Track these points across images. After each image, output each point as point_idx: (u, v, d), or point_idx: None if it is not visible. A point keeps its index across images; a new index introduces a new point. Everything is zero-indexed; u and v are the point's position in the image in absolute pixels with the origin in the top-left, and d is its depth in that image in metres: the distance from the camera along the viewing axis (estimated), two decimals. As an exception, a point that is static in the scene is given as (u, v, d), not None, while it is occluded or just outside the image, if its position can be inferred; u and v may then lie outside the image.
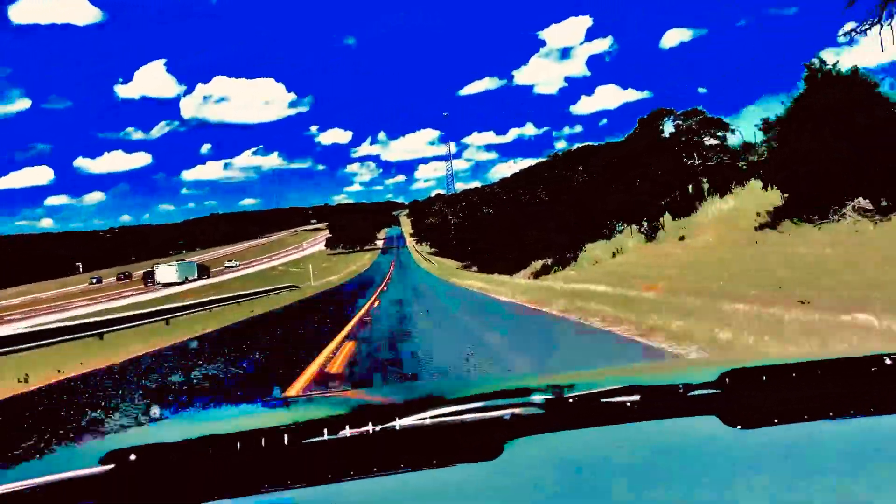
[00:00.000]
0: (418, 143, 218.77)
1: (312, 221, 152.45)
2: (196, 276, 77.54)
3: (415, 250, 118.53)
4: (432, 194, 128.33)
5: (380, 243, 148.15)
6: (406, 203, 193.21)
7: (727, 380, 1.16)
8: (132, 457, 0.96)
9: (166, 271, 76.18)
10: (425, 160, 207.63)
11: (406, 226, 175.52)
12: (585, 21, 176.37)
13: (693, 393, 1.16)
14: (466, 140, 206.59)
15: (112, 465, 0.96)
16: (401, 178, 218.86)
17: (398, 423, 1.06)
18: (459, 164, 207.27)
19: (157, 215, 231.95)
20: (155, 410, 2.21)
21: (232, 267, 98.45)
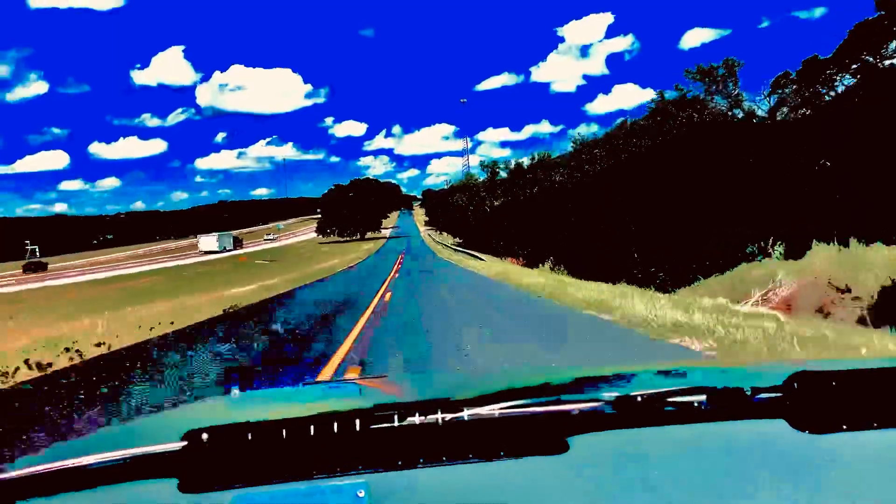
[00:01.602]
0: (432, 137, 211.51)
1: (318, 210, 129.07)
2: (232, 247, 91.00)
3: (432, 240, 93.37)
4: (446, 186, 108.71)
5: (387, 231, 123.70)
6: (419, 196, 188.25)
7: (795, 383, 1.14)
8: (205, 436, 0.99)
9: (208, 241, 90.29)
10: (439, 155, 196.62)
11: (418, 215, 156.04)
12: (607, 18, 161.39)
13: (761, 396, 1.14)
14: (481, 136, 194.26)
15: (185, 443, 0.99)
16: (414, 171, 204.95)
17: (466, 414, 1.05)
18: (473, 160, 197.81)
19: (171, 202, 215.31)
20: (227, 384, 1.64)
21: (270, 239, 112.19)
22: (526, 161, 64.61)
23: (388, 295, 17.50)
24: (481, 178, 75.46)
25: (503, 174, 68.81)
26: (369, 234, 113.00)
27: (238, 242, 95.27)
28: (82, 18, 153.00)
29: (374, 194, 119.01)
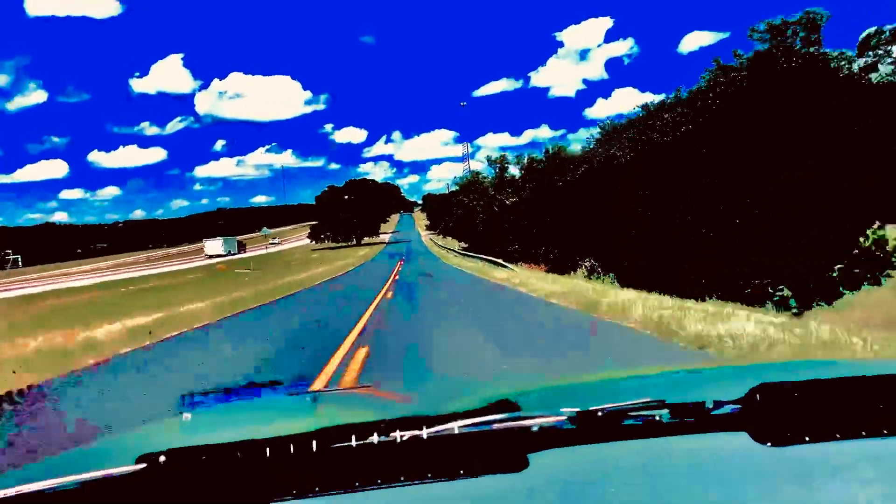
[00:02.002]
0: (432, 142, 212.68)
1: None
2: (237, 251, 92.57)
3: (436, 245, 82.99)
4: (448, 190, 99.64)
5: (386, 237, 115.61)
6: (418, 202, 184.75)
7: (757, 395, 1.13)
8: (162, 458, 0.98)
9: (213, 245, 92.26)
10: (438, 160, 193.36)
11: (419, 220, 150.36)
12: (606, 22, 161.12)
13: (722, 409, 1.13)
14: (480, 141, 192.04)
15: (143, 465, 0.98)
16: (414, 178, 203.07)
17: (425, 433, 1.04)
18: (473, 165, 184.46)
19: (170, 210, 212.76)
20: (183, 403, 1.55)
21: (275, 243, 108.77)
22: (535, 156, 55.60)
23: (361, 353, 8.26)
24: (489, 177, 66.47)
25: (514, 172, 59.68)
26: (367, 239, 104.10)
27: (242, 247, 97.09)
28: (81, 26, 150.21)
29: (372, 195, 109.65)
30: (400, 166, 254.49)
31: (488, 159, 66.78)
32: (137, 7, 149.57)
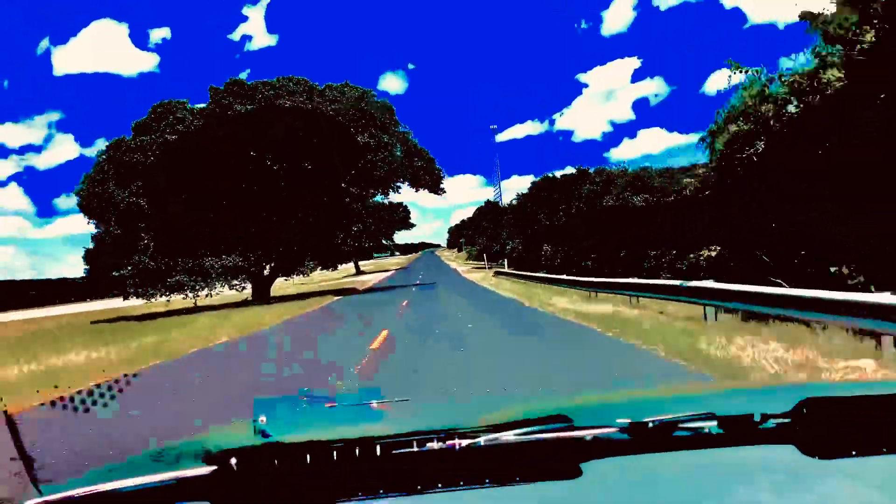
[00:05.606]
0: (457, 187, 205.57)
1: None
2: None
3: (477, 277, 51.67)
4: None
5: (370, 277, 63.53)
6: (441, 244, 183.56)
7: (804, 409, 1.14)
8: (233, 460, 1.03)
9: None
10: (463, 206, 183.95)
11: (443, 252, 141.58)
12: (633, 63, 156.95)
13: (770, 422, 1.16)
14: (505, 184, 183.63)
15: (216, 467, 1.04)
16: (438, 223, 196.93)
17: (482, 440, 1.08)
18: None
19: None
20: (253, 406, 1.48)
21: None
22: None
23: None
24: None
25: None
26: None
27: None
28: (109, 83, 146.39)
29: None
30: (424, 211, 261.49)
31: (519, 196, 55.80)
32: (171, 61, 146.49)
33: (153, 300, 35.34)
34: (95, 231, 36.76)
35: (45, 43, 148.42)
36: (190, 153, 33.09)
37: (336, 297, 34.64)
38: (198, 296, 35.95)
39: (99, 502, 1.04)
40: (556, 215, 45.25)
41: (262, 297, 36.89)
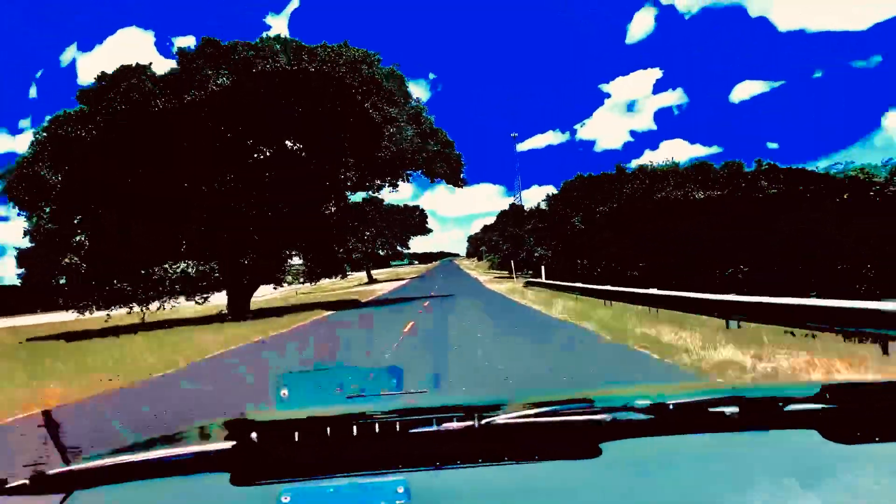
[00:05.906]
0: (477, 196, 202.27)
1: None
2: None
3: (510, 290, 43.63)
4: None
5: (381, 287, 60.38)
6: (462, 255, 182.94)
7: (827, 395, 1.17)
8: (254, 434, 1.08)
9: None
10: (482, 215, 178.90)
11: (462, 261, 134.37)
12: (655, 73, 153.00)
13: (793, 406, 1.18)
14: (525, 194, 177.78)
15: (236, 441, 1.09)
16: (458, 232, 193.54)
17: (502, 418, 1.13)
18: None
19: None
20: (274, 384, 1.51)
21: None
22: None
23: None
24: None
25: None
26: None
27: None
28: None
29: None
30: (444, 221, 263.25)
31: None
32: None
33: (86, 314, 27.78)
34: (28, 227, 29.12)
35: (71, 50, 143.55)
36: (143, 130, 25.61)
37: (327, 313, 29.19)
38: (147, 310, 28.12)
39: (123, 472, 1.10)
40: (594, 216, 37.39)
41: (237, 310, 29.13)
